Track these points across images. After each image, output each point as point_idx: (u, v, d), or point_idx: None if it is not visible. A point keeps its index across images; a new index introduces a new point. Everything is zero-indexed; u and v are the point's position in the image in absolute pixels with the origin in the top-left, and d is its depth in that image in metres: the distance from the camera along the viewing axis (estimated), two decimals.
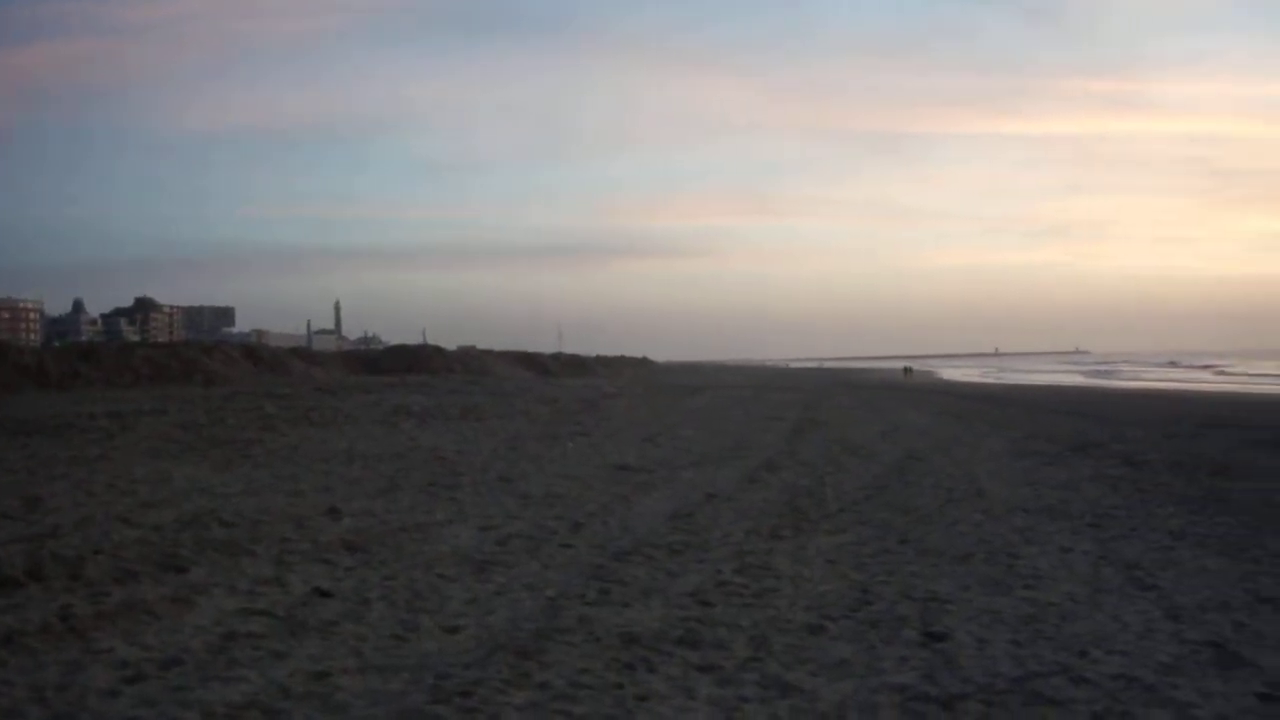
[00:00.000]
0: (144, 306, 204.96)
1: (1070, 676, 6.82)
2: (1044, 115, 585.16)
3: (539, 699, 6.46)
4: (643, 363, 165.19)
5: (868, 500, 14.84)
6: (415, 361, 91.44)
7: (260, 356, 77.72)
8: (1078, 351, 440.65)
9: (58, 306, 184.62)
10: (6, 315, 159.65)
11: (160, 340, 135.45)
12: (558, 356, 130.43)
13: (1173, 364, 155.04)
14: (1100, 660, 7.16)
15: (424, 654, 7.35)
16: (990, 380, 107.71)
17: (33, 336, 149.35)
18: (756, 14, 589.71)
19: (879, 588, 9.38)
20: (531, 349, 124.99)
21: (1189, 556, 10.80)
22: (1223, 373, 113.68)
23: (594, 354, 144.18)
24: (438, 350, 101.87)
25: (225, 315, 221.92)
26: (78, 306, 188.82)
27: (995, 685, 6.70)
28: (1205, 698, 6.46)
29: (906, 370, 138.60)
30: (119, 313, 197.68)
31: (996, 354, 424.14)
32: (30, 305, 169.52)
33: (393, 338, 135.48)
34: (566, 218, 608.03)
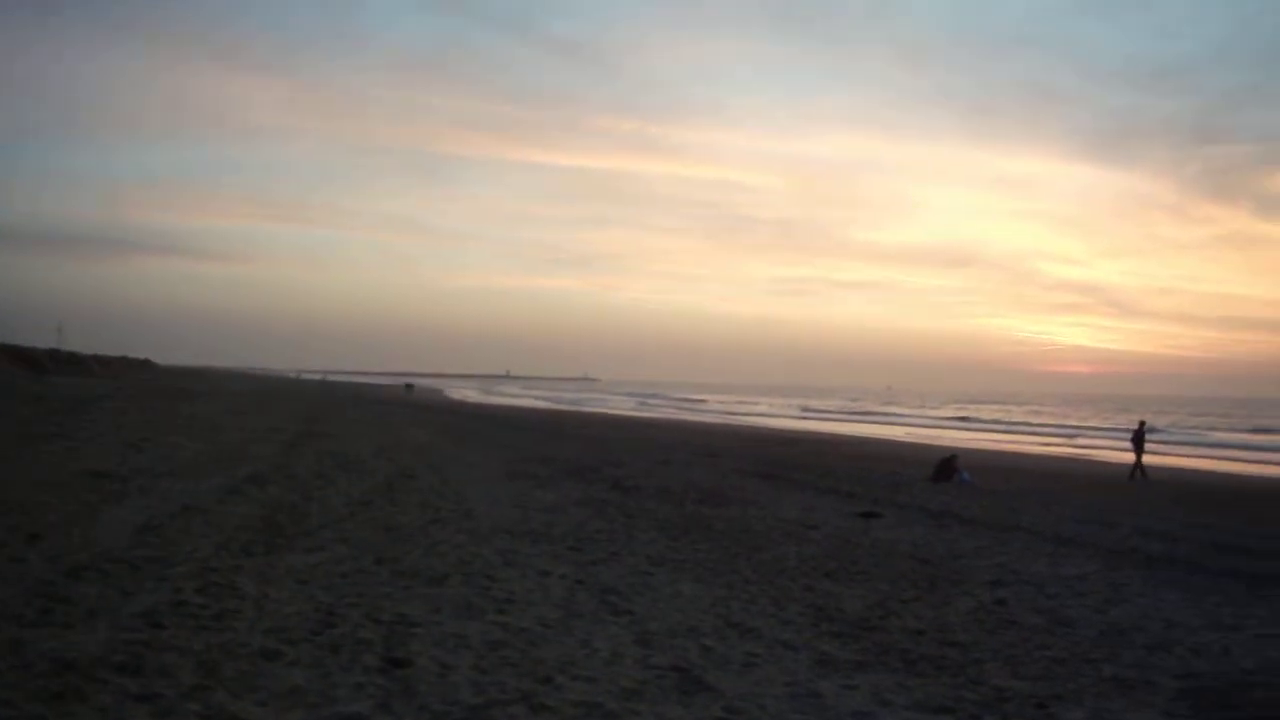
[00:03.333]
0: None
1: (530, 704, 6.74)
2: (571, 148, 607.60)
3: None
4: (145, 365, 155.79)
5: (352, 517, 14.43)
6: None
7: None
8: (586, 378, 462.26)
9: None
10: None
11: None
12: (55, 353, 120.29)
13: (669, 395, 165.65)
14: (564, 686, 7.15)
15: None
16: (496, 401, 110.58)
17: None
18: (297, 17, 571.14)
19: (346, 610, 9.00)
20: (27, 343, 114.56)
21: (665, 581, 11.26)
22: (727, 407, 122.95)
23: (94, 353, 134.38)
24: None
25: None
26: None
27: (452, 714, 6.50)
28: None
29: (408, 387, 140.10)
30: None
31: (508, 376, 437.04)
32: None
33: None
34: (80, 207, 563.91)
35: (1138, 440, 36.90)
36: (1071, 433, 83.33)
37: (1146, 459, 36.56)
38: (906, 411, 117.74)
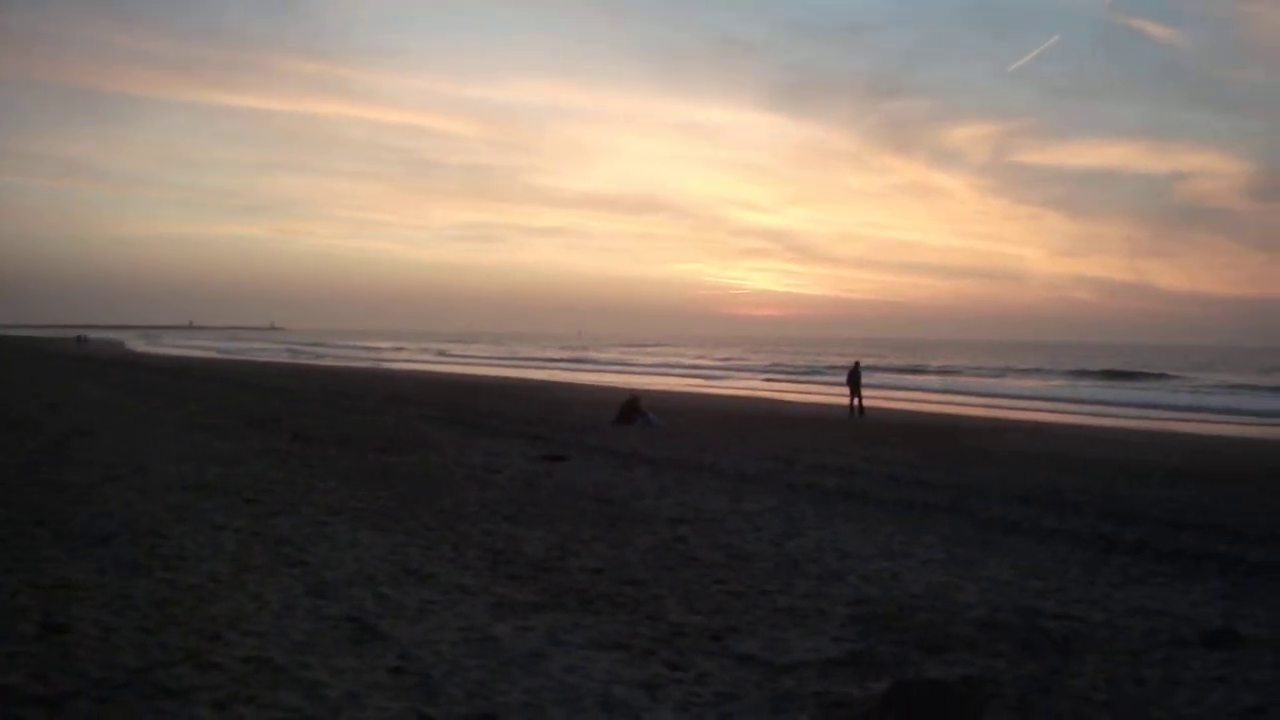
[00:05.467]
0: None
1: (197, 663, 6.40)
2: (255, 90, 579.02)
3: None
4: None
5: (15, 479, 13.41)
6: None
7: None
8: (274, 328, 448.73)
9: None
10: None
11: None
12: None
13: (357, 343, 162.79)
14: (233, 643, 6.83)
15: None
16: (178, 353, 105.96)
17: None
18: None
19: (2, 578, 8.33)
20: None
21: (343, 530, 10.99)
22: (415, 354, 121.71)
23: None
24: None
25: None
26: None
27: (113, 679, 6.08)
28: (336, 675, 6.36)
29: (81, 339, 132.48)
30: None
31: (192, 327, 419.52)
32: None
33: None
34: None
35: (853, 380, 38.06)
36: (756, 373, 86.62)
37: (846, 397, 37.83)
38: (596, 356, 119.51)
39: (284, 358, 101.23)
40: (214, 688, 6.02)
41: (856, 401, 37.12)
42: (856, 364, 40.07)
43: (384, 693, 6.12)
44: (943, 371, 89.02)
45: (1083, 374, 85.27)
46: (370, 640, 7.11)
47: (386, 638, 7.18)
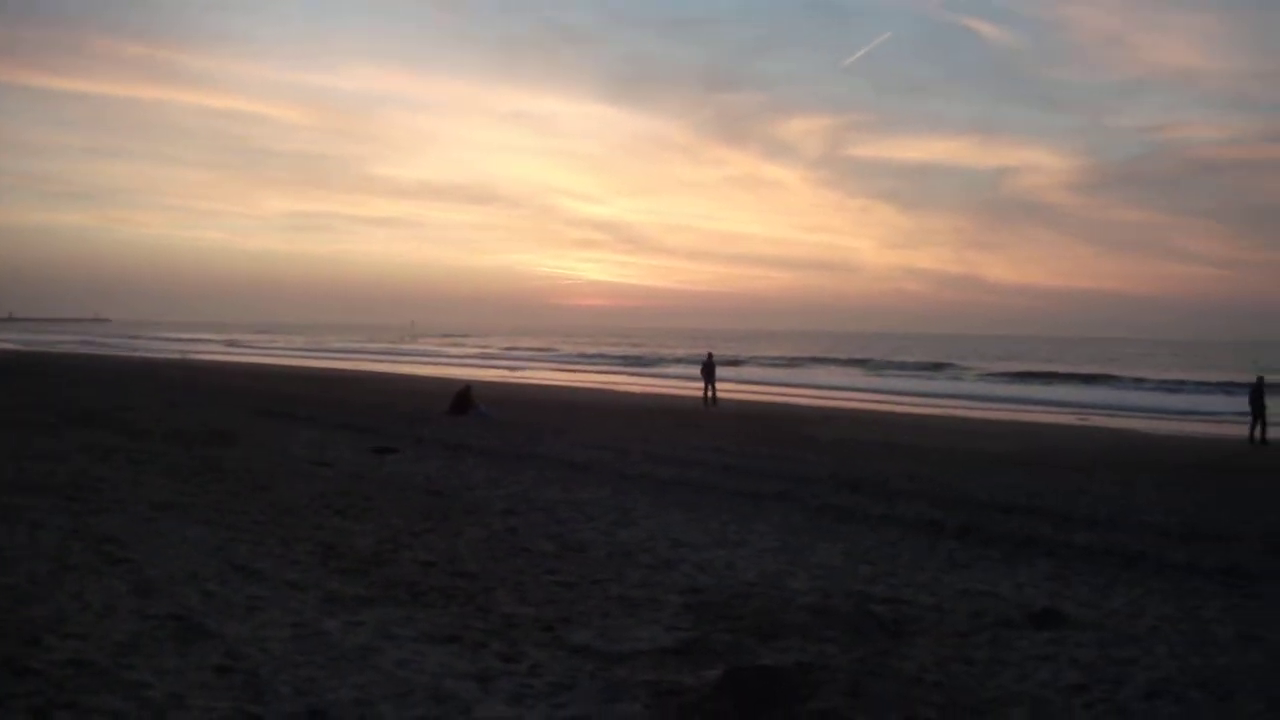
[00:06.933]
0: None
1: (13, 669, 6.14)
2: (75, 73, 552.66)
3: None
4: None
5: None
6: None
7: None
8: (98, 319, 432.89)
9: None
10: None
11: None
12: None
13: (184, 335, 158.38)
14: (52, 646, 6.60)
15: None
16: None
17: None
18: None
19: None
20: None
21: (170, 527, 10.70)
22: (245, 345, 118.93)
23: None
24: None
25: None
26: None
27: None
28: (160, 675, 6.21)
29: None
30: None
31: (11, 319, 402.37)
32: None
33: None
34: None
35: (707, 370, 38.86)
36: (588, 363, 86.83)
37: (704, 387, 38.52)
38: (429, 347, 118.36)
39: (95, 349, 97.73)
40: (31, 694, 5.82)
41: (710, 392, 38.02)
42: (710, 355, 41.14)
43: (209, 692, 6.01)
44: (758, 363, 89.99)
45: (917, 366, 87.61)
46: (196, 639, 6.96)
47: (213, 636, 7.04)
